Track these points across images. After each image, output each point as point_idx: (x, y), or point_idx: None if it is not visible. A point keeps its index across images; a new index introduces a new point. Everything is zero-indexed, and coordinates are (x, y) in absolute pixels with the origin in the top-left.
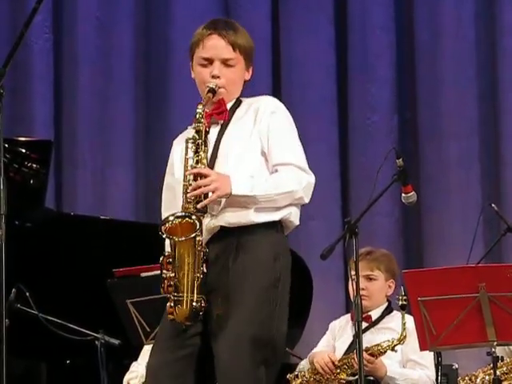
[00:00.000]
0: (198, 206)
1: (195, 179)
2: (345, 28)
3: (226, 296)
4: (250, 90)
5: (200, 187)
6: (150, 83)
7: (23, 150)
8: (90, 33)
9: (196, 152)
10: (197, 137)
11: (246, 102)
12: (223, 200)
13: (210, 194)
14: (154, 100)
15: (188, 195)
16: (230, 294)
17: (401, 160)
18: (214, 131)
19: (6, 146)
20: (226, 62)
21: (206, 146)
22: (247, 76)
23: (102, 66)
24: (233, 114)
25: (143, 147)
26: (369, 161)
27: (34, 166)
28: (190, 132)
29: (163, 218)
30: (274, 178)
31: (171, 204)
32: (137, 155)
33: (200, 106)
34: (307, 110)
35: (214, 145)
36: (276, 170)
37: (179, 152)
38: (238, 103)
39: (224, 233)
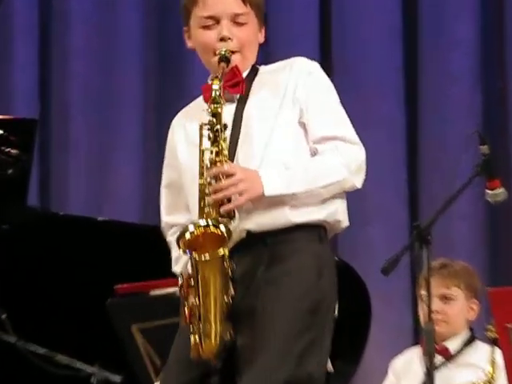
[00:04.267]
0: (222, 210)
1: (216, 178)
2: None
3: (253, 322)
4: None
5: (223, 189)
6: (164, 44)
7: None
8: None
9: (214, 141)
10: (214, 121)
11: (264, 69)
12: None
13: (234, 197)
14: (170, 66)
15: (209, 199)
16: (259, 319)
17: (486, 147)
18: (228, 110)
19: None
20: (236, 20)
21: (224, 131)
22: (261, 38)
23: (101, 22)
24: (251, 85)
25: (154, 127)
26: (444, 148)
27: (13, 151)
28: (195, 112)
29: (164, 224)
30: (315, 165)
31: (176, 205)
32: (146, 137)
33: (216, 82)
34: (365, 82)
35: (232, 127)
36: (315, 149)
37: (182, 135)
38: (254, 71)
39: (252, 240)
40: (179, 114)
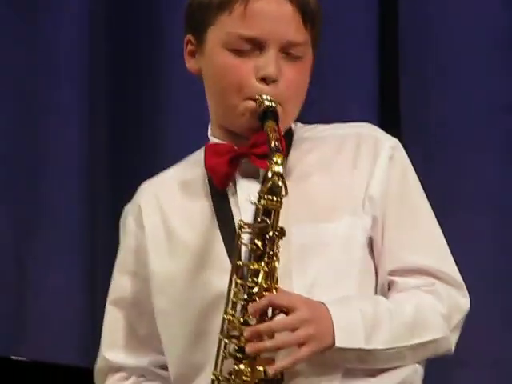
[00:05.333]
0: (271, 370)
1: (257, 312)
2: None
3: None
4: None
5: (274, 333)
6: None
7: None
8: None
9: (262, 256)
10: (268, 225)
11: (303, 132)
12: None
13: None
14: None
15: (249, 349)
16: None
17: None
18: (248, 191)
19: None
20: (289, 50)
21: (277, 244)
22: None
23: None
24: (287, 156)
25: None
26: None
27: None
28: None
29: (104, 363)
30: (406, 308)
31: (129, 336)
32: None
33: (277, 159)
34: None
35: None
36: (392, 283)
37: (158, 224)
38: (289, 135)
39: None
40: (152, 181)
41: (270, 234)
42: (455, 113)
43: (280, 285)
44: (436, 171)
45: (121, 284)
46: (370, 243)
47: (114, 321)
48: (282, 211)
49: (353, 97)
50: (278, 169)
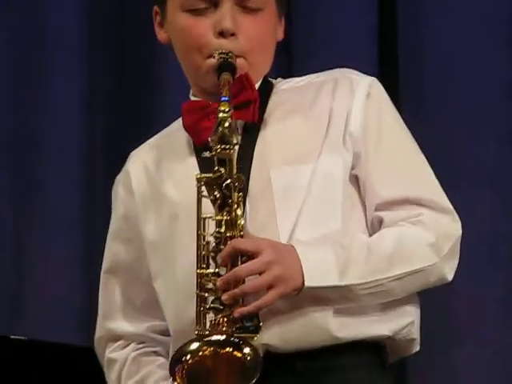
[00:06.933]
0: (236, 313)
1: (224, 261)
2: None
3: None
4: None
5: (241, 279)
6: None
7: None
8: None
9: (224, 205)
10: (223, 172)
11: (283, 85)
12: None
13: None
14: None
15: (223, 298)
16: None
17: None
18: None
19: None
20: (245, 2)
21: (240, 189)
22: (280, 33)
23: None
24: (264, 109)
25: None
26: None
27: None
28: (173, 148)
29: (104, 332)
30: (386, 243)
31: (127, 303)
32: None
33: (223, 108)
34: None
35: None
36: (380, 219)
37: (149, 189)
38: (268, 87)
39: (274, 363)
40: (140, 149)
41: (228, 182)
42: (454, 112)
43: (266, 229)
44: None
45: (115, 251)
46: (356, 180)
47: (110, 290)
48: (261, 158)
49: None
50: (223, 115)
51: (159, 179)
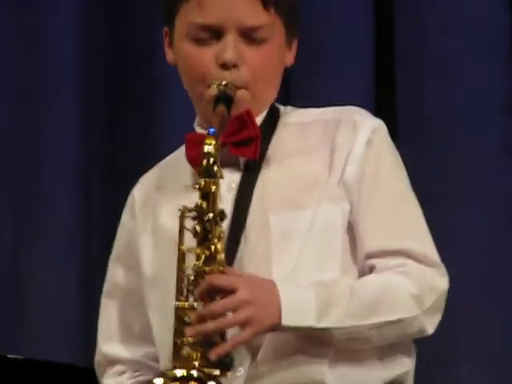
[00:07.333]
0: (212, 355)
1: (201, 296)
2: None
3: None
4: None
5: (215, 316)
6: None
7: None
8: None
9: (204, 239)
10: (204, 207)
11: (292, 115)
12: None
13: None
14: None
15: (189, 333)
16: None
17: None
18: (228, 180)
19: None
20: (249, 34)
21: (220, 223)
22: (289, 59)
23: None
24: (268, 142)
25: None
26: None
27: None
28: (176, 178)
29: (102, 356)
30: (369, 289)
31: (125, 328)
32: None
33: (210, 140)
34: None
35: (233, 217)
36: (369, 267)
37: (150, 221)
38: (274, 117)
39: None
40: (148, 174)
41: (210, 216)
42: (451, 111)
43: (259, 272)
44: (430, 169)
45: (115, 276)
46: (351, 227)
47: (108, 314)
48: (260, 199)
49: (351, 96)
50: (207, 149)
51: (158, 206)
